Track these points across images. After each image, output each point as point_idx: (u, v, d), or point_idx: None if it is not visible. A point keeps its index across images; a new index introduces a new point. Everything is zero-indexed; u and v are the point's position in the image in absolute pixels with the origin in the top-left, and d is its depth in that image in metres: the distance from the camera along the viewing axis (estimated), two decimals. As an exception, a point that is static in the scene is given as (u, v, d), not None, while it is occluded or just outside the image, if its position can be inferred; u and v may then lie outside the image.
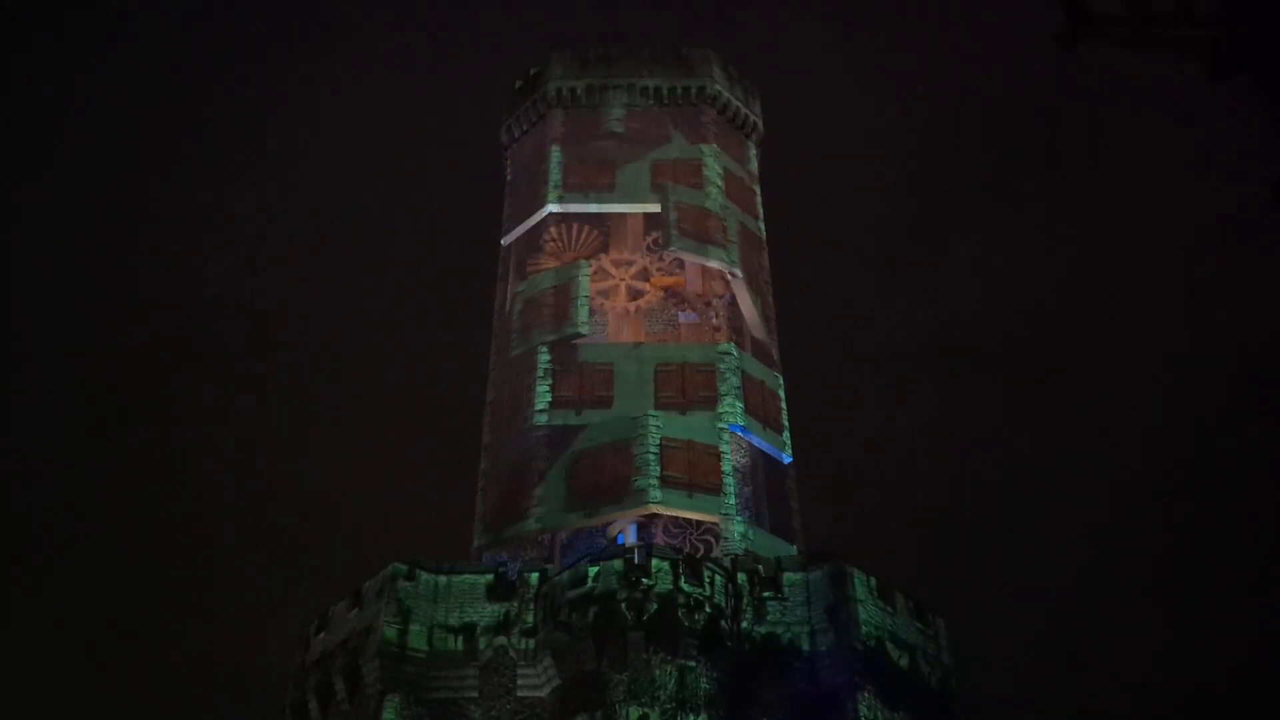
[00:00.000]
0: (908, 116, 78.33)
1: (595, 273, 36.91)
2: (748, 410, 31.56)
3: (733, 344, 33.95)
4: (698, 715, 23.35)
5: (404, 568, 26.44)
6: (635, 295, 36.65)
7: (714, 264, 35.91)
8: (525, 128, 41.68)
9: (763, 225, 38.10)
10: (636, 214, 39.09)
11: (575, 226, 38.31)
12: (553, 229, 38.01)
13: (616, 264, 37.22)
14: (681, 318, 36.69)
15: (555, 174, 38.14)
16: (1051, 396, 70.40)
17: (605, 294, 36.70)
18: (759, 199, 38.39)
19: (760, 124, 42.60)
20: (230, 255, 79.83)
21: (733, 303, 36.78)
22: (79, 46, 77.57)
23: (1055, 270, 73.37)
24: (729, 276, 36.19)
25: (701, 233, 36.35)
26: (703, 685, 23.93)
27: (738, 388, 31.86)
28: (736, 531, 29.36)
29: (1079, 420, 69.73)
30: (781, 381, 34.77)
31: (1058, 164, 78.66)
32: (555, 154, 38.85)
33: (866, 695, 24.64)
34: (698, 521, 31.79)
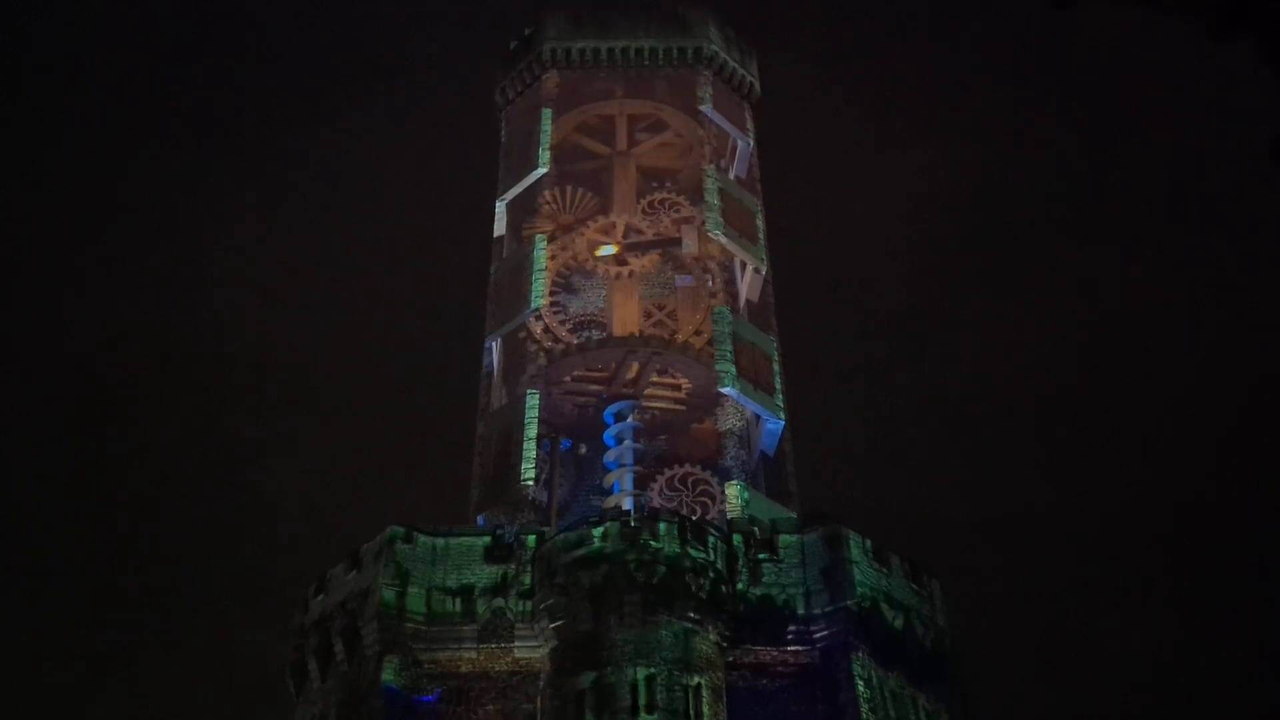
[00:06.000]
0: (917, 172, 77.72)
1: (590, 237, 36.68)
2: (740, 373, 31.57)
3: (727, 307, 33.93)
4: (697, 676, 23.59)
5: (401, 530, 26.55)
6: (639, 256, 36.48)
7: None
8: (520, 89, 41.27)
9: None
10: (633, 176, 38.86)
11: (572, 189, 38.08)
12: (549, 192, 37.77)
13: (612, 227, 37.02)
14: (678, 282, 36.61)
15: (548, 136, 37.80)
16: (1063, 415, 70.74)
17: (603, 259, 36.51)
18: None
19: (757, 85, 42.19)
20: (221, 231, 79.37)
21: (728, 266, 36.63)
22: (88, 76, 77.10)
23: (1064, 319, 73.26)
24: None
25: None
26: (701, 646, 24.16)
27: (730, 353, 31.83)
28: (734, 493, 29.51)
29: (1087, 438, 70.11)
30: (776, 345, 34.72)
31: (1062, 223, 78.16)
32: (549, 116, 38.45)
33: (861, 655, 24.90)
34: (694, 482, 31.94)
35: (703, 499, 31.53)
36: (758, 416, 32.66)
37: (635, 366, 33.43)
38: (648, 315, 35.98)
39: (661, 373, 34.04)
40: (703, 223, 35.95)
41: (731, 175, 39.12)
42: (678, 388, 34.17)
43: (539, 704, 24.26)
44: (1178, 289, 71.36)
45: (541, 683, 24.56)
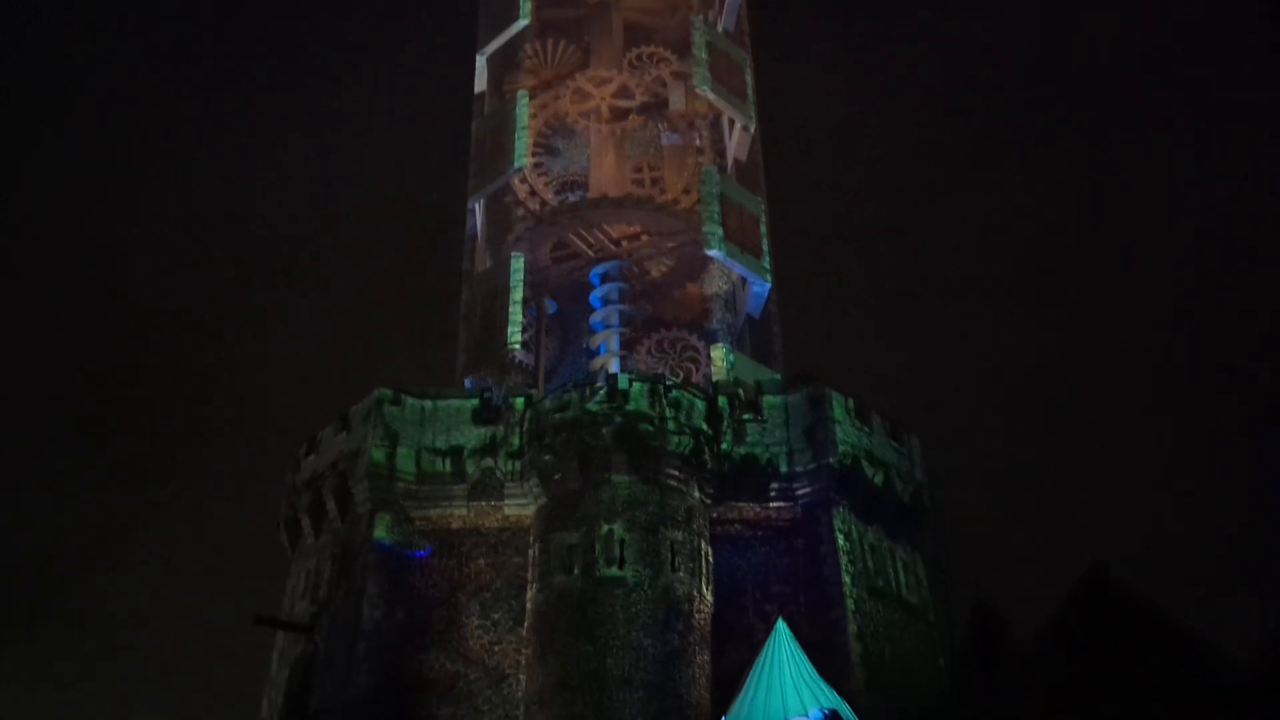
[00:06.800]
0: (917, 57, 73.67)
1: (574, 93, 35.59)
2: (727, 235, 31.20)
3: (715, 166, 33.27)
4: (680, 532, 24.31)
5: (389, 393, 26.80)
6: (618, 115, 35.51)
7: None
8: (498, -68, 39.11)
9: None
10: (619, 28, 37.37)
11: (555, 42, 36.67)
12: (531, 45, 36.38)
13: (597, 82, 35.87)
14: (665, 139, 35.71)
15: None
16: (1051, 288, 70.12)
17: (586, 115, 35.52)
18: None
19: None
20: (203, 104, 76.66)
21: (715, 124, 35.72)
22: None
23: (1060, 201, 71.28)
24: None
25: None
26: (684, 504, 24.81)
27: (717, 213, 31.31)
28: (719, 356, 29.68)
29: (1075, 311, 69.60)
30: (764, 206, 34.23)
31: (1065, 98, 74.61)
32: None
33: (841, 510, 25.67)
34: (680, 346, 32.10)
35: (688, 362, 31.77)
36: (744, 279, 32.53)
37: (616, 230, 32.96)
38: (636, 170, 35.18)
39: (653, 235, 33.60)
40: (690, 78, 34.83)
41: (720, 28, 37.66)
42: (661, 246, 33.80)
43: (528, 558, 25.04)
44: (1175, 165, 70.16)
45: (531, 538, 25.29)
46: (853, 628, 24.12)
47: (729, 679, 22.37)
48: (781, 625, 22.14)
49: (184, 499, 61.03)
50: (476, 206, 34.38)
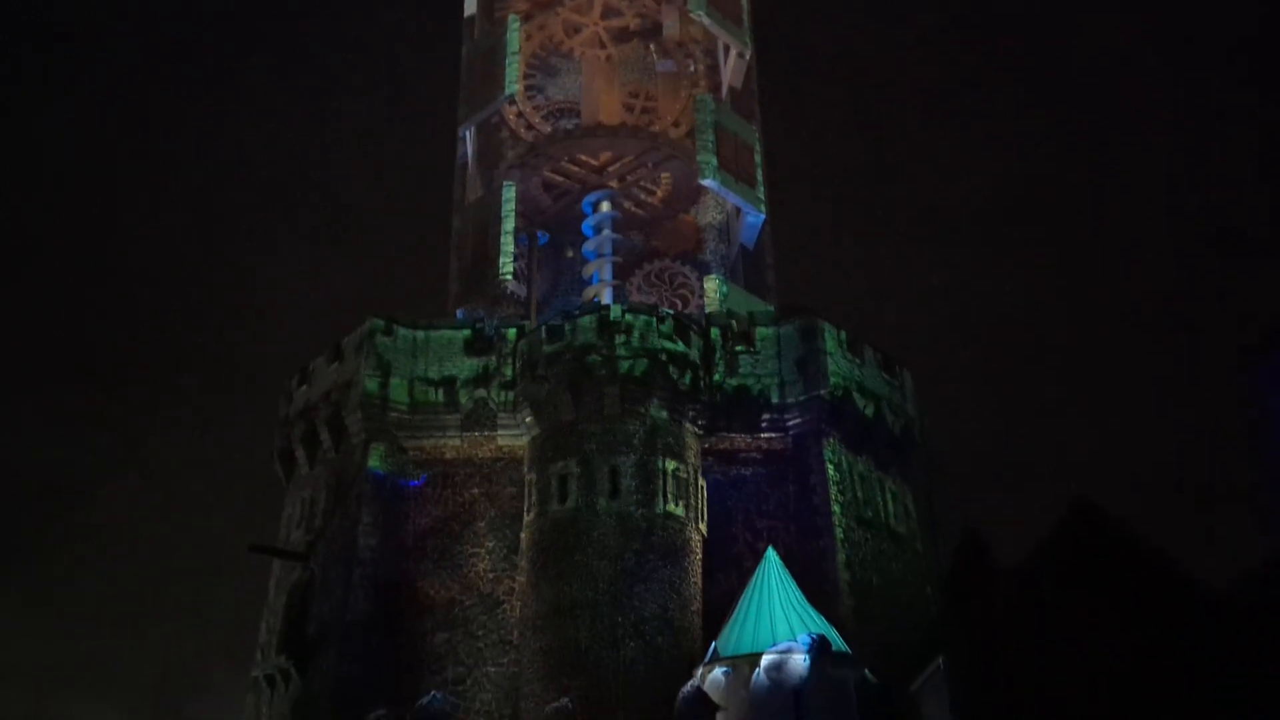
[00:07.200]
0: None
1: (565, 19, 34.76)
2: (721, 165, 30.78)
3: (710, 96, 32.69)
4: (671, 462, 24.47)
5: (381, 323, 26.69)
6: (616, 39, 34.73)
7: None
8: None
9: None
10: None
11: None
12: (522, -35, 35.41)
13: (584, 8, 34.97)
14: (659, 67, 35.04)
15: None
16: (1044, 228, 69.53)
17: (581, 41, 34.73)
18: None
19: None
20: (197, 41, 74.65)
21: (711, 51, 35.01)
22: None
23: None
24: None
25: None
26: (676, 434, 24.93)
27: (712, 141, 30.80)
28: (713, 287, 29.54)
29: (1067, 250, 69.09)
30: (758, 135, 33.73)
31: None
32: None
33: (832, 441, 25.85)
34: (673, 277, 31.94)
35: (681, 293, 31.64)
36: (738, 209, 32.22)
37: (606, 156, 32.48)
38: (632, 95, 34.50)
39: (645, 164, 33.15)
40: (685, 2, 34.00)
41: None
42: (655, 175, 33.39)
43: (522, 488, 25.23)
44: (1173, 98, 69.08)
45: (524, 468, 25.45)
46: (841, 556, 24.47)
47: (720, 606, 22.73)
48: (771, 553, 22.44)
49: (179, 429, 61.33)
50: (467, 134, 33.83)
